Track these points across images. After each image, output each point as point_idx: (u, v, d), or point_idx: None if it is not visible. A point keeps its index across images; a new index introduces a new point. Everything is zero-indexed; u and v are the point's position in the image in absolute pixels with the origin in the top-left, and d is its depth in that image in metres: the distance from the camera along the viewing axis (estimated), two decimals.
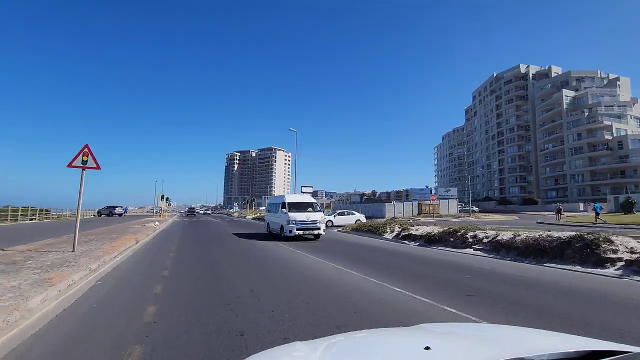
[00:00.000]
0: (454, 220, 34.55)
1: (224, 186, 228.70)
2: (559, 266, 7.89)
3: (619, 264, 7.24)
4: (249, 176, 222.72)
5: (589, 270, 7.34)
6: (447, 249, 11.49)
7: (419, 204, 46.83)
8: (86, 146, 9.34)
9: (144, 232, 16.74)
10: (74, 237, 9.41)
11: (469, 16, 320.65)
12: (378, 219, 27.36)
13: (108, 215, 47.77)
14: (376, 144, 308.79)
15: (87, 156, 9.27)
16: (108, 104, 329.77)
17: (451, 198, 49.19)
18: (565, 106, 62.26)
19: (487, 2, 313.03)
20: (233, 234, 18.82)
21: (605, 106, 59.74)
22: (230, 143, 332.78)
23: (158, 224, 22.67)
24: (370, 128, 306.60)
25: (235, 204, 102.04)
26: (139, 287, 5.91)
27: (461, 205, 54.47)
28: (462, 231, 11.97)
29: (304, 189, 36.33)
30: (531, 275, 7.07)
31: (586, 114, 59.95)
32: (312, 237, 15.01)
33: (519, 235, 9.95)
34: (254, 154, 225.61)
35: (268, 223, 18.00)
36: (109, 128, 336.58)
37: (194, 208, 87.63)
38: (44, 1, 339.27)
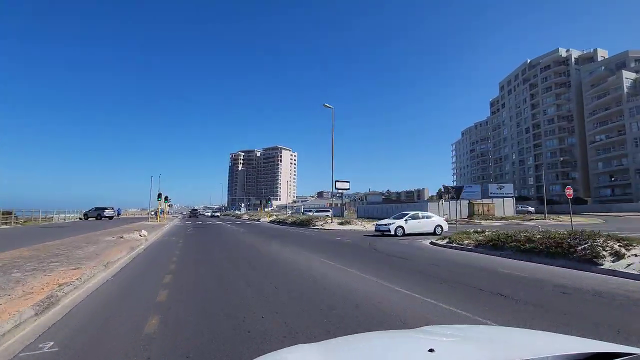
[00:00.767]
0: (527, 223, 26.48)
1: (228, 187, 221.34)
2: None
3: None
4: (254, 176, 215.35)
5: None
6: None
7: (470, 203, 38.72)
8: None
9: (110, 253, 8.82)
10: None
11: (480, 10, 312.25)
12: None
13: (97, 218, 40.04)
14: (383, 142, 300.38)
15: None
16: (108, 105, 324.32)
17: (506, 196, 41.04)
18: (626, 90, 53.93)
19: None
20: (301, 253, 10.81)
21: None
22: (234, 143, 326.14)
23: (145, 234, 14.72)
24: (375, 125, 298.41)
25: (242, 204, 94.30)
26: None
27: (518, 206, 45.90)
28: None
29: (339, 185, 28.46)
30: None
31: None
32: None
33: None
34: (258, 154, 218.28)
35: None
36: (109, 129, 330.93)
37: (196, 209, 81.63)
38: (46, 4, 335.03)
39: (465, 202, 39.97)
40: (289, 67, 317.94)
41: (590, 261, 7.18)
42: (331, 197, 27.36)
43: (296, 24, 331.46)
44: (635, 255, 6.81)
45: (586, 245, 7.57)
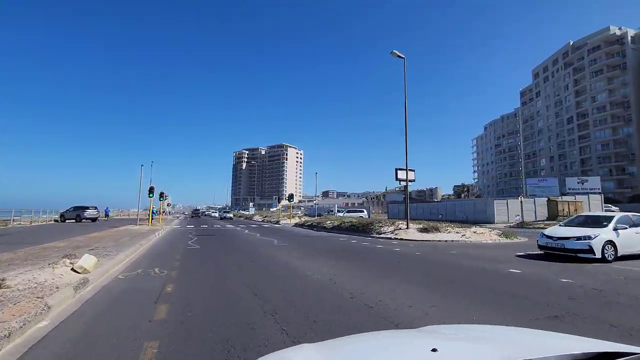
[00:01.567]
0: None
1: (232, 186, 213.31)
2: None
3: None
4: (258, 175, 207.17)
5: None
6: None
7: (550, 201, 30.22)
8: None
9: None
10: None
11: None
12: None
13: (76, 220, 31.89)
14: (389, 140, 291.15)
15: None
16: (109, 105, 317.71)
17: (592, 192, 32.50)
18: None
19: None
20: None
21: None
22: (237, 143, 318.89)
23: (86, 266, 6.08)
24: (380, 123, 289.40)
25: (251, 204, 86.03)
26: None
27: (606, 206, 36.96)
28: None
29: (400, 174, 20.12)
30: None
31: None
32: None
33: None
34: (263, 152, 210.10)
35: None
36: (110, 129, 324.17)
37: (198, 210, 78.74)
38: (49, 5, 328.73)
39: (541, 200, 31.52)
40: (291, 65, 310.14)
41: None
42: (403, 182, 18.32)
43: (305, 20, 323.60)
44: None
45: None
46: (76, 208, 32.64)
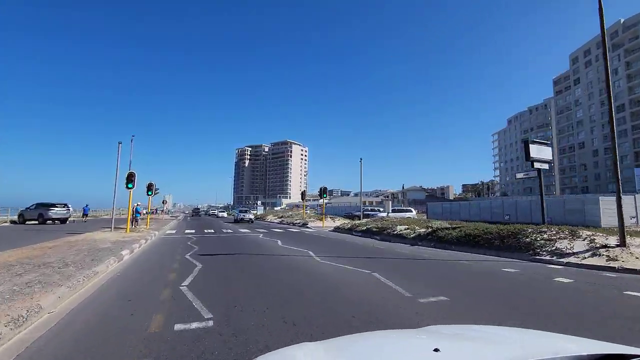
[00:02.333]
0: None
1: (234, 184, 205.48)
2: None
3: None
4: (262, 173, 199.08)
5: None
6: None
7: None
8: None
9: None
10: None
11: None
12: None
13: (39, 221, 23.99)
14: (390, 139, 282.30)
15: None
16: (108, 107, 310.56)
17: None
18: None
19: None
20: None
21: None
22: (239, 141, 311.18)
23: None
24: (387, 121, 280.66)
25: (258, 202, 77.86)
26: None
27: None
28: None
29: (534, 152, 11.63)
30: None
31: None
32: None
33: None
34: (266, 149, 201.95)
35: None
36: (112, 129, 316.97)
37: (199, 209, 76.89)
38: (54, 4, 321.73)
39: None
40: (294, 62, 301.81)
41: None
42: (539, 164, 8.54)
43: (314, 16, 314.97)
44: None
45: None
46: (39, 206, 24.66)
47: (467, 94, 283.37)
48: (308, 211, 66.03)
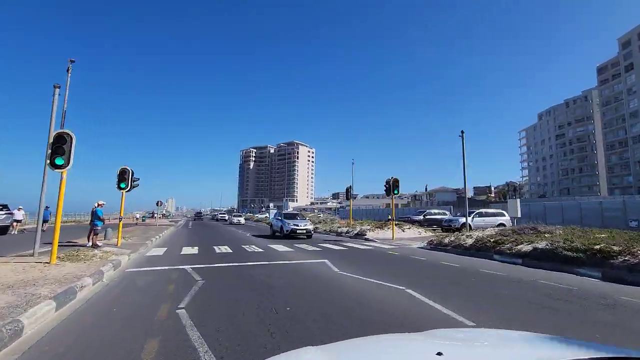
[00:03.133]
0: None
1: (238, 187, 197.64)
2: None
3: None
4: (267, 175, 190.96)
5: None
6: None
7: None
8: None
9: None
10: None
11: None
12: None
13: None
14: (393, 141, 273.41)
15: None
16: (110, 107, 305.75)
17: None
18: None
19: None
20: None
21: None
22: (244, 140, 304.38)
23: None
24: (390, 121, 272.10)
25: (270, 204, 69.69)
26: None
27: None
28: None
29: None
30: None
31: None
32: None
33: None
34: (272, 150, 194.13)
35: None
36: (114, 131, 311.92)
37: (201, 212, 75.17)
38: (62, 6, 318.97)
39: None
40: (296, 61, 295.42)
41: None
42: None
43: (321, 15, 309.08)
44: None
45: None
46: None
47: (474, 95, 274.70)
48: (321, 215, 57.72)
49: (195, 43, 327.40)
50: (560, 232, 10.78)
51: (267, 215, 54.93)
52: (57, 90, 8.58)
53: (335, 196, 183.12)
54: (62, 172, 7.40)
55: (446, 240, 12.58)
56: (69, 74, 8.80)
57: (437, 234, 16.19)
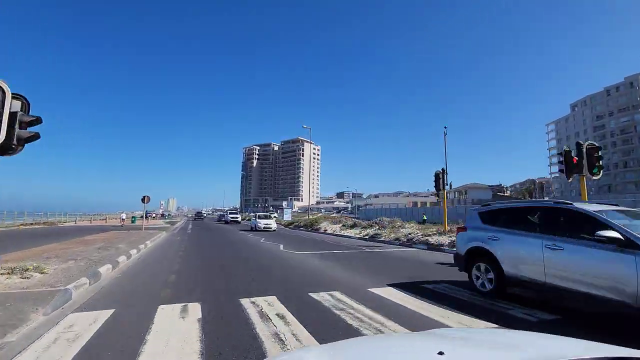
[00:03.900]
0: None
1: (241, 186, 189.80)
2: None
3: None
4: (271, 174, 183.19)
5: None
6: None
7: None
8: None
9: None
10: None
11: None
12: None
13: None
14: (398, 140, 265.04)
15: None
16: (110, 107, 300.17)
17: None
18: None
19: None
20: None
21: None
22: (247, 139, 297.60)
23: None
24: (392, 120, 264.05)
25: (284, 203, 62.13)
26: None
27: None
28: None
29: None
30: None
31: None
32: None
33: None
34: (276, 148, 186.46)
35: None
36: (115, 131, 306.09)
37: (202, 212, 74.95)
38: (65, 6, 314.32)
39: None
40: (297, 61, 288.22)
41: None
42: None
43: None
44: None
45: None
46: None
47: (479, 95, 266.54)
48: (324, 214, 49.97)
49: (195, 43, 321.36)
50: None
51: (275, 215, 46.75)
52: None
53: (340, 195, 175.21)
54: None
55: None
56: None
57: None
